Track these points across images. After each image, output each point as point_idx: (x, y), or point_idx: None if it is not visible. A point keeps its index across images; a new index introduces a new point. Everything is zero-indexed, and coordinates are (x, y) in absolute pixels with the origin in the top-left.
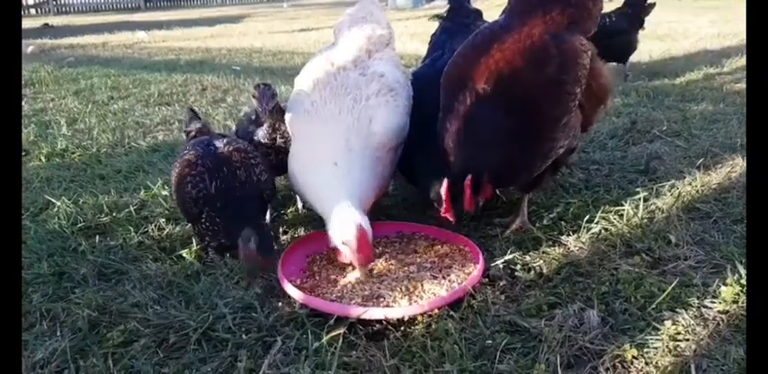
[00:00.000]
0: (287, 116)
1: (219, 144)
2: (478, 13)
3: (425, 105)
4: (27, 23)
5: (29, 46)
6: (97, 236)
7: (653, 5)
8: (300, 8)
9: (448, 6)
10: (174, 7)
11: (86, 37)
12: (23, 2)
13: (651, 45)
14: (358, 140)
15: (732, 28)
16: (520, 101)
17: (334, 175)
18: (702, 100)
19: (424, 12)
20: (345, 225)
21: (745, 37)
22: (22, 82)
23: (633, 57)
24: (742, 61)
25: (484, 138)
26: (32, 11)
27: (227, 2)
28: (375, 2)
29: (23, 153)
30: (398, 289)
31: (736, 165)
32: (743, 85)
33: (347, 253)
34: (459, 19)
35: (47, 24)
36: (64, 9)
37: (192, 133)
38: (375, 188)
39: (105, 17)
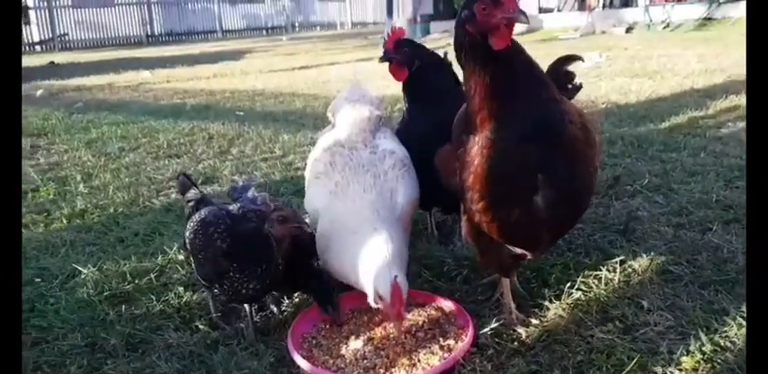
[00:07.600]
0: (309, 197)
1: (233, 208)
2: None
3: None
4: (34, 61)
5: (38, 89)
6: (123, 305)
7: None
8: (299, 42)
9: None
10: (175, 42)
11: (92, 78)
12: (29, 39)
13: (641, 84)
14: (386, 212)
15: (720, 62)
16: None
17: (376, 240)
18: (684, 149)
19: None
20: (380, 278)
21: (731, 73)
22: (36, 131)
23: (620, 99)
24: (726, 103)
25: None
26: (38, 48)
27: (227, 36)
28: (363, 84)
29: (45, 213)
30: (397, 360)
31: (708, 224)
32: (725, 130)
33: (381, 307)
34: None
35: (53, 62)
36: (68, 45)
37: (192, 203)
38: (406, 253)
39: (109, 53)
